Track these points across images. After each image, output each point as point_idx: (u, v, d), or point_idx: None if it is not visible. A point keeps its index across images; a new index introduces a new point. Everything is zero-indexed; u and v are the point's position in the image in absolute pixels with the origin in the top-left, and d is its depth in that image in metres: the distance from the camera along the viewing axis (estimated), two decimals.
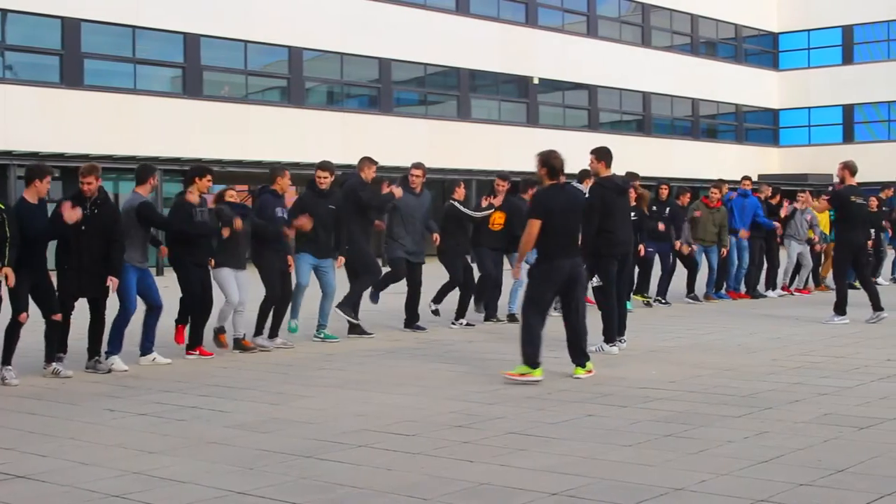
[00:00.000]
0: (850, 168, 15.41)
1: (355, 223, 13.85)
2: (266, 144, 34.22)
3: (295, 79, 37.08)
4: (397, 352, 12.55)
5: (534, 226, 10.14)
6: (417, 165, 14.75)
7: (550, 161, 10.36)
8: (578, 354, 10.37)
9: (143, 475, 6.63)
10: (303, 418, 8.44)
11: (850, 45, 53.95)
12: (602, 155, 12.21)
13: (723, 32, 53.36)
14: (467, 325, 15.06)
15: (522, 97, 44.19)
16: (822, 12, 54.09)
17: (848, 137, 53.58)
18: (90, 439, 7.75)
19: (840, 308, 15.10)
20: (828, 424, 7.86)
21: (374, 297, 14.58)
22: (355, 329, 13.94)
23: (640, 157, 40.21)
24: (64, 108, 30.88)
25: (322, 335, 13.58)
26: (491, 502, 5.97)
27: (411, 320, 14.71)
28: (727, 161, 49.25)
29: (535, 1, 44.15)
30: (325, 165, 13.64)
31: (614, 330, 12.14)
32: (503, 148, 40.96)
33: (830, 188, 18.40)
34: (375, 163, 14.30)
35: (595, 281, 11.97)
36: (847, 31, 53.85)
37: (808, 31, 54.84)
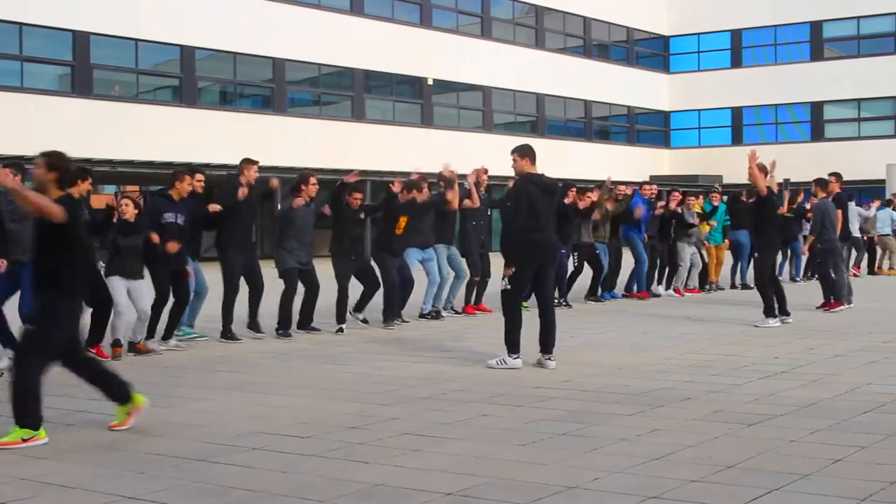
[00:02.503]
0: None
1: (226, 230, 13.76)
2: (158, 144, 33.80)
3: (187, 78, 36.68)
4: (291, 353, 12.47)
5: None
6: (310, 174, 14.60)
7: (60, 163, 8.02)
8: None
9: (30, 481, 6.49)
10: (196, 421, 8.34)
11: (738, 48, 54.99)
12: (525, 152, 11.43)
13: (615, 35, 54.00)
14: (363, 320, 15.01)
15: (417, 98, 44.25)
16: (712, 16, 55.05)
17: (737, 139, 54.57)
18: None
19: (780, 310, 14.99)
20: (718, 422, 7.98)
21: (285, 334, 14.06)
22: (227, 334, 13.76)
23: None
24: None
25: (182, 333, 13.43)
26: (385, 503, 5.96)
27: (305, 321, 14.55)
28: (620, 162, 49.86)
29: (429, 2, 44.25)
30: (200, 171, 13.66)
31: (517, 339, 11.10)
32: (398, 149, 40.98)
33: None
34: (255, 162, 14.16)
35: (504, 284, 11.15)
36: (735, 35, 54.86)
37: (698, 34, 55.77)
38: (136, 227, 12.26)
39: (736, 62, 55.04)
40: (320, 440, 7.53)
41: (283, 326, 14.18)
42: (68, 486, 6.37)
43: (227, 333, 13.74)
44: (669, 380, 10.05)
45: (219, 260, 14.03)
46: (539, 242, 11.21)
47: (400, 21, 43.28)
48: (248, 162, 14.00)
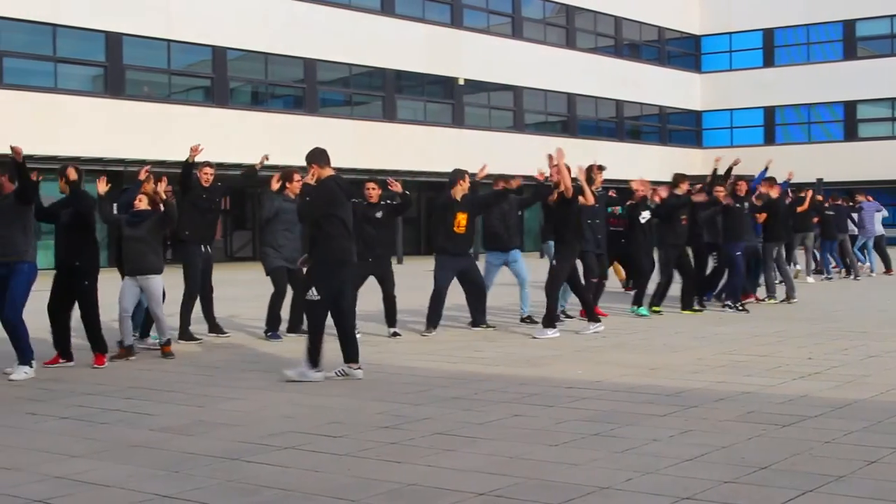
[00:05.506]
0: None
1: (186, 222, 13.87)
2: (189, 145, 33.84)
3: (219, 79, 36.81)
4: (323, 353, 12.48)
5: None
6: (294, 171, 14.19)
7: None
8: None
9: (65, 479, 6.53)
10: (229, 420, 8.38)
11: (770, 47, 54.76)
12: (314, 158, 10.47)
13: (646, 35, 53.87)
14: (394, 334, 14.02)
15: (448, 98, 44.27)
16: (744, 15, 54.84)
17: (769, 139, 54.34)
18: (11, 444, 7.62)
19: (590, 318, 14.51)
20: (751, 422, 7.94)
21: (275, 335, 13.86)
22: (185, 334, 13.63)
23: (566, 157, 40.44)
24: None
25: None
26: (418, 503, 5.96)
27: (296, 323, 14.00)
28: (651, 162, 49.72)
29: (460, 2, 44.26)
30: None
31: (319, 354, 10.38)
32: (429, 149, 41.02)
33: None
34: (210, 165, 14.27)
35: (312, 294, 10.32)
36: (767, 34, 54.63)
37: (730, 33, 55.60)
38: (136, 216, 12.28)
39: (768, 61, 54.81)
40: (353, 440, 7.54)
41: (272, 328, 13.95)
42: (103, 485, 6.41)
43: (184, 334, 13.60)
44: (702, 380, 10.02)
45: (178, 255, 14.07)
46: (352, 252, 10.73)
47: (431, 21, 43.31)
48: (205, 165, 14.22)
